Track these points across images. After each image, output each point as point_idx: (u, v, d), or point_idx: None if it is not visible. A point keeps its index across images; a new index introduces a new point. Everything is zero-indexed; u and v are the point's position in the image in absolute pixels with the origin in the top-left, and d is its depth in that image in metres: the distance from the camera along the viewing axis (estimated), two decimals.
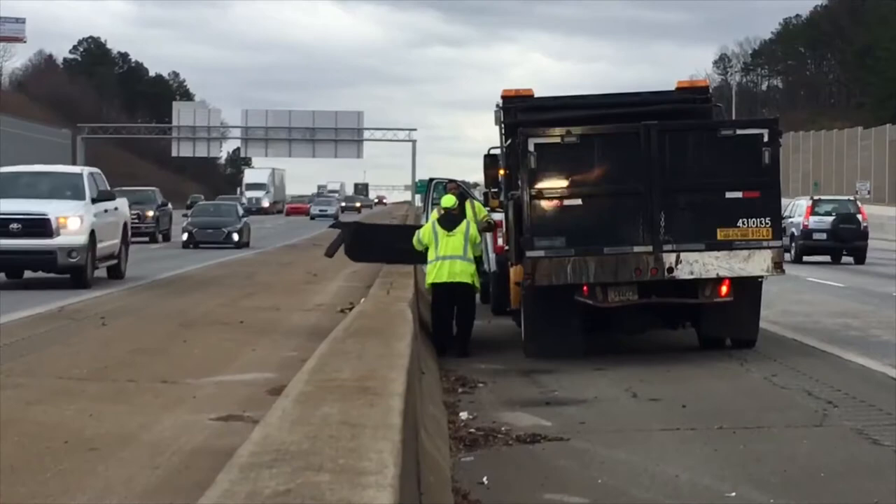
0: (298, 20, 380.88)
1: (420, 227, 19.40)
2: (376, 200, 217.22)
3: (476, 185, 41.46)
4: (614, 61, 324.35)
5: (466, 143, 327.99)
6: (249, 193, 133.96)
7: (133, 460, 10.29)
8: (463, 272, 17.66)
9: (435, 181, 30.13)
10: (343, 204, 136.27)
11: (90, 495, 9.07)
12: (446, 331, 18.03)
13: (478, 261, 18.66)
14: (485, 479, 9.88)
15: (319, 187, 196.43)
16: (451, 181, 23.98)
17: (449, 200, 18.61)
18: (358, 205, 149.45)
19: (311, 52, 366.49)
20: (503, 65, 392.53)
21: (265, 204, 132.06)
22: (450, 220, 17.98)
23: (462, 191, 20.59)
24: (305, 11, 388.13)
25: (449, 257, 17.69)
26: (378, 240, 20.96)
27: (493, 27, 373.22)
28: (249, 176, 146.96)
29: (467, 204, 19.49)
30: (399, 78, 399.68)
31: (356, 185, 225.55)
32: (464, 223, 18.00)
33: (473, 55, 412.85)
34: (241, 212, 54.86)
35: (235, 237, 50.65)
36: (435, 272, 17.78)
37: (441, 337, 18.08)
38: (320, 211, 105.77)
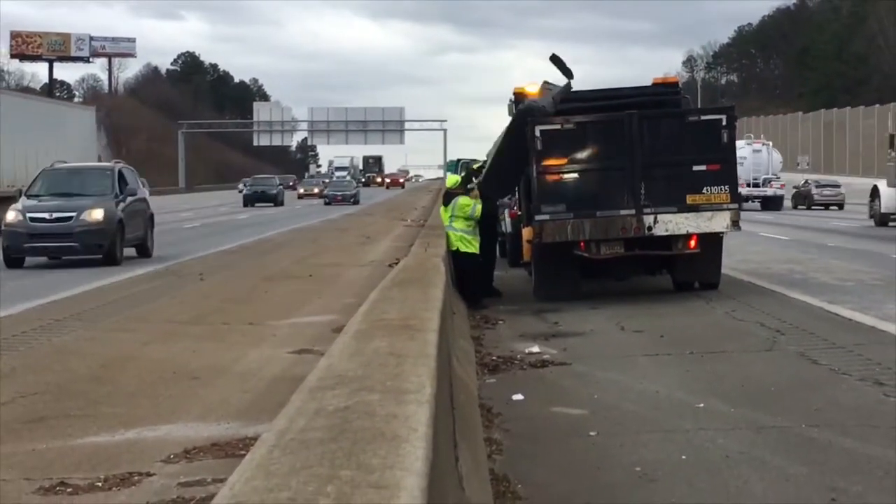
0: (340, 34, 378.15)
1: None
2: (388, 180, 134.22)
3: None
4: (596, 63, 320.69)
5: (479, 131, 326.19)
6: None
7: (227, 386, 10.35)
8: (448, 242, 16.73)
9: (461, 161, 30.17)
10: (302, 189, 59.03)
11: (194, 414, 9.13)
12: (457, 288, 16.52)
13: (484, 225, 17.26)
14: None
15: (330, 162, 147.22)
16: (473, 161, 23.94)
17: (451, 181, 18.38)
18: (302, 190, 78.36)
19: (354, 59, 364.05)
20: (505, 67, 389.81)
21: None
22: (447, 198, 17.33)
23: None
24: (345, 27, 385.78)
25: (445, 227, 17.12)
26: None
27: (497, 37, 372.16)
28: None
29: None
30: (425, 79, 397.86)
31: (366, 159, 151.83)
32: (454, 199, 17.02)
33: (482, 60, 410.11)
34: None
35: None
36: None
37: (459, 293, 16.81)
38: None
